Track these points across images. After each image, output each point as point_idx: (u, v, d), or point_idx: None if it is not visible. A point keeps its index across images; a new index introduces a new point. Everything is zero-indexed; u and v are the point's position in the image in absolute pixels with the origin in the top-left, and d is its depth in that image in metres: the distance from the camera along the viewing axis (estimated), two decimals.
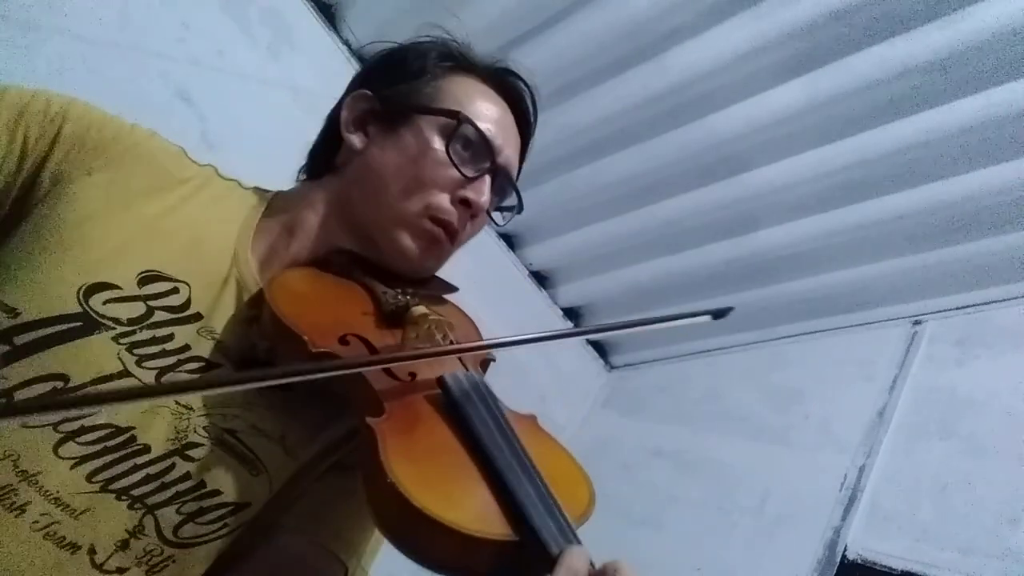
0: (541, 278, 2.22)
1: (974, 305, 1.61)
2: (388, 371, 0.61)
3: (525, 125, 0.83)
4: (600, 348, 2.32)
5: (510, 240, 2.14)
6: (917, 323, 1.68)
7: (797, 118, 1.52)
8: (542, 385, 2.10)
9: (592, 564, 0.46)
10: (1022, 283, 1.54)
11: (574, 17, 1.58)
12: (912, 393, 1.55)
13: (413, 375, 0.63)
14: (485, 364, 0.75)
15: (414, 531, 0.48)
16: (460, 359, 0.69)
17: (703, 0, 1.45)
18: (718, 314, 0.70)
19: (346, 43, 1.80)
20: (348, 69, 1.79)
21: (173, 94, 1.50)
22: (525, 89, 0.83)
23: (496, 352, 0.75)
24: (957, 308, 1.63)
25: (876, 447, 1.50)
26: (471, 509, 0.49)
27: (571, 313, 2.28)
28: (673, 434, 1.92)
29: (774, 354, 1.91)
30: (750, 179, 1.67)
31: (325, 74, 1.74)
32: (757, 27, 1.43)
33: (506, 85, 0.81)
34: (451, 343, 0.69)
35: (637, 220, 1.90)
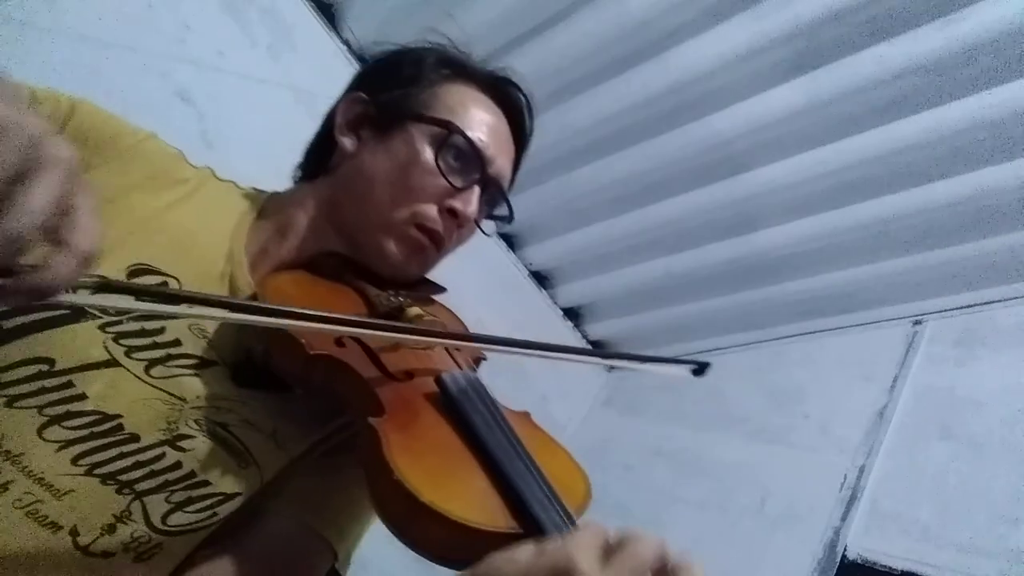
0: (541, 278, 2.22)
1: (974, 305, 1.61)
2: (386, 372, 0.62)
3: (520, 135, 0.83)
4: (601, 348, 2.32)
5: (510, 240, 2.14)
6: (917, 323, 1.68)
7: (797, 118, 1.52)
8: (542, 385, 2.10)
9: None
10: (1022, 283, 1.54)
11: (574, 17, 1.58)
12: (912, 393, 1.55)
13: (410, 375, 0.63)
14: (477, 362, 0.77)
15: (421, 526, 0.48)
16: (454, 359, 0.70)
17: (703, 0, 1.45)
18: (698, 370, 0.73)
19: (346, 43, 1.80)
20: (348, 69, 1.79)
21: (173, 94, 1.50)
22: (522, 99, 0.83)
23: (488, 352, 0.76)
24: (957, 308, 1.63)
25: (876, 447, 1.50)
26: (475, 503, 0.50)
27: (571, 313, 2.28)
28: (673, 434, 1.92)
29: (774, 354, 1.91)
30: (750, 179, 1.67)
31: (325, 74, 1.73)
32: (757, 27, 1.43)
33: (503, 94, 0.81)
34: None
35: (637, 220, 1.90)
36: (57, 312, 0.59)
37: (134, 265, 0.64)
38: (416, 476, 0.49)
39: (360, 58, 1.81)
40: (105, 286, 0.44)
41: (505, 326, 2.08)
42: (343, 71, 1.78)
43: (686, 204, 1.80)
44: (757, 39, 1.44)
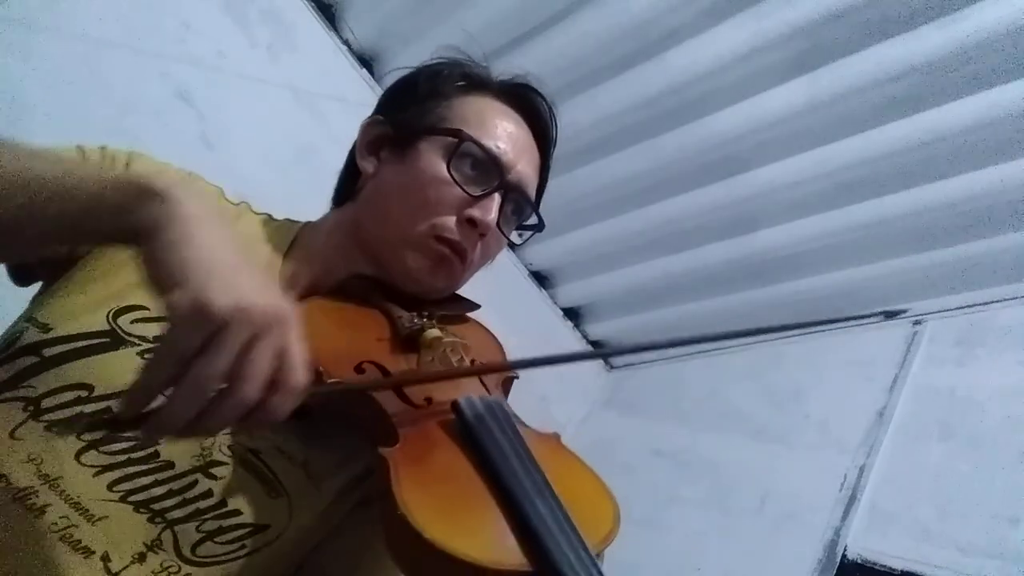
0: (541, 278, 2.22)
1: (974, 305, 1.60)
2: (403, 397, 0.61)
3: (543, 141, 0.82)
4: (601, 348, 2.32)
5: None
6: (917, 323, 1.68)
7: (797, 118, 1.52)
8: (542, 385, 2.10)
9: None
10: (1022, 283, 1.54)
11: (574, 17, 1.58)
12: (912, 393, 1.55)
13: (429, 400, 0.62)
14: (507, 383, 0.75)
15: (428, 564, 0.47)
16: (481, 380, 0.69)
17: (703, 0, 1.45)
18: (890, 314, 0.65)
19: (346, 43, 1.80)
20: (348, 69, 1.79)
21: (173, 94, 1.50)
22: (543, 103, 0.82)
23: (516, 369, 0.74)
24: (957, 308, 1.63)
25: (876, 447, 1.50)
26: (484, 540, 0.48)
27: (571, 313, 2.28)
28: (673, 434, 1.92)
29: (774, 354, 1.91)
30: (750, 179, 1.67)
31: (325, 74, 1.74)
32: (757, 27, 1.43)
33: (522, 101, 0.80)
34: (470, 364, 0.69)
35: (637, 220, 1.90)
36: (97, 340, 0.60)
37: None
38: (421, 510, 0.47)
39: (360, 58, 1.81)
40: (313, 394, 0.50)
41: (505, 326, 2.08)
42: (343, 71, 1.78)
43: (686, 204, 1.80)
44: (757, 39, 1.44)
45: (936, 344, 1.60)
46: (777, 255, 1.78)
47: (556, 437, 0.66)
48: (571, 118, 1.73)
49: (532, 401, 2.16)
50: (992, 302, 1.58)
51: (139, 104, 1.43)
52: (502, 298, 2.02)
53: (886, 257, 1.66)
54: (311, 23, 1.74)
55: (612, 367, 2.32)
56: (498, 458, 0.54)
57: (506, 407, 0.63)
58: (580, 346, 2.29)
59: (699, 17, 1.48)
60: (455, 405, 0.59)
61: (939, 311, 1.65)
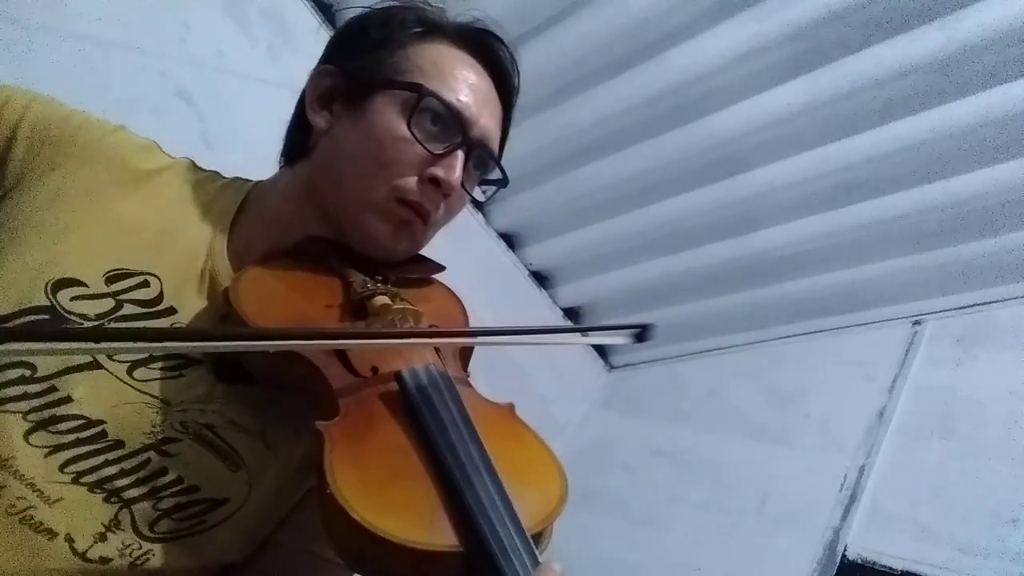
0: (541, 278, 2.22)
1: (974, 305, 1.61)
2: (348, 367, 0.58)
3: (505, 89, 0.76)
4: (600, 348, 2.32)
5: (510, 240, 2.14)
6: (917, 323, 1.68)
7: (797, 118, 1.52)
8: (542, 385, 2.10)
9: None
10: (1022, 283, 1.54)
11: (574, 17, 1.58)
12: (912, 393, 1.55)
13: (375, 370, 0.59)
14: (466, 352, 0.71)
15: (358, 544, 0.45)
16: (436, 348, 0.65)
17: (703, 0, 1.45)
18: (640, 335, 0.64)
19: None
20: None
21: (173, 94, 1.49)
22: (503, 49, 0.76)
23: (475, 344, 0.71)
24: (957, 308, 1.63)
25: (876, 447, 1.50)
26: (414, 519, 0.47)
27: (571, 313, 2.28)
28: (673, 434, 1.92)
29: (774, 354, 1.91)
30: (750, 179, 1.67)
31: None
32: (757, 27, 1.43)
33: (482, 48, 0.74)
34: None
35: (637, 220, 1.90)
36: (37, 316, 0.58)
37: (111, 271, 0.62)
38: (351, 488, 0.46)
39: None
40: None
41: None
42: None
43: (686, 204, 1.80)
44: (757, 39, 1.44)
45: (936, 344, 1.61)
46: (777, 255, 1.78)
47: (510, 408, 0.63)
48: (571, 118, 1.73)
49: (532, 401, 2.16)
50: (992, 302, 1.58)
51: (139, 104, 1.43)
52: (502, 298, 2.03)
53: (886, 257, 1.66)
54: (311, 23, 1.74)
55: (612, 367, 2.32)
56: (436, 433, 0.52)
57: (453, 377, 0.60)
58: (581, 347, 2.29)
59: (699, 17, 1.48)
60: (398, 376, 0.57)
61: (939, 311, 1.66)
